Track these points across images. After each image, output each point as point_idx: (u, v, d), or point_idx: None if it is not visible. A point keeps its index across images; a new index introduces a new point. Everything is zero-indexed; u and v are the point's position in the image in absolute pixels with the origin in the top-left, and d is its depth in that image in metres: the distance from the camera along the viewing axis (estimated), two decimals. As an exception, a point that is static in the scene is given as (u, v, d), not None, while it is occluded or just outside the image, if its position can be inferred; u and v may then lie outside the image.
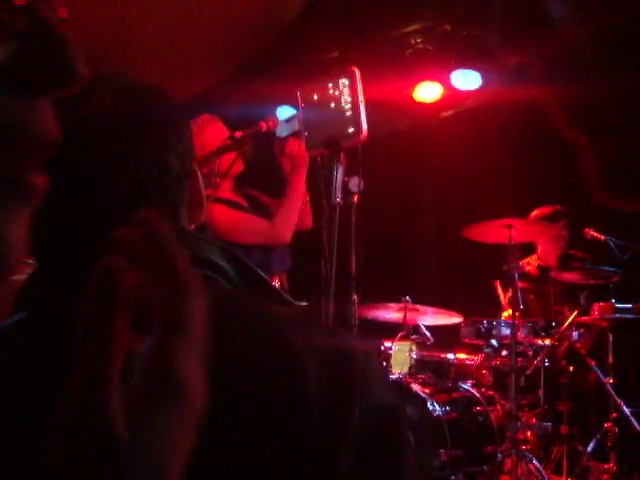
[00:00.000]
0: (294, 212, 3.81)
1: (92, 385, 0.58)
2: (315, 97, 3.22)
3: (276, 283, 3.86)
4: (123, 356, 0.59)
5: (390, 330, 5.26)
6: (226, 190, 3.84)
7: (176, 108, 1.15)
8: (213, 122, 3.92)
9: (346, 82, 3.14)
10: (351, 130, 3.10)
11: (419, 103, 6.56)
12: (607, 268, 4.94)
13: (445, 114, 6.80)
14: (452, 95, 6.47)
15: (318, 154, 3.32)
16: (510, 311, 5.02)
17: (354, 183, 3.19)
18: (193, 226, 1.16)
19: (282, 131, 3.83)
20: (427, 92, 6.47)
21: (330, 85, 3.18)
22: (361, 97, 3.11)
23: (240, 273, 1.05)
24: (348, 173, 3.23)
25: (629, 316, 4.89)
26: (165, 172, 1.05)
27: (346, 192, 3.18)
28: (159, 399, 0.59)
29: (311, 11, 6.84)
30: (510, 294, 5.10)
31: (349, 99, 3.12)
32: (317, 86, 3.22)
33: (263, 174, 4.10)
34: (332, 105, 3.17)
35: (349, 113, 3.11)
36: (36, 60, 0.54)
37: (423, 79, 6.46)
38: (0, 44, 0.55)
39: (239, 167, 3.86)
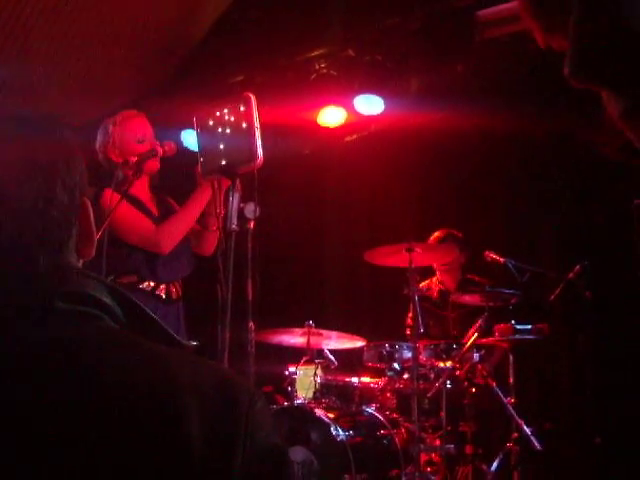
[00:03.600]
0: (181, 225, 3.79)
1: None
2: (211, 122, 3.20)
3: (161, 292, 3.83)
4: None
5: (294, 355, 5.26)
6: (138, 188, 3.82)
7: (68, 139, 1.12)
8: (138, 116, 3.99)
9: (242, 108, 3.13)
10: (246, 156, 3.09)
11: (323, 127, 6.59)
12: (505, 290, 5.02)
13: (349, 138, 6.84)
14: (356, 120, 6.52)
15: (214, 180, 3.30)
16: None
17: (250, 209, 3.17)
18: (82, 261, 1.13)
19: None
20: (331, 116, 6.51)
21: (226, 111, 3.17)
22: (257, 123, 3.10)
23: (127, 312, 1.04)
24: (245, 199, 3.22)
25: (528, 337, 4.97)
26: (51, 205, 1.03)
27: (242, 218, 3.17)
28: None
29: (216, 35, 6.85)
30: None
31: (244, 125, 3.11)
32: (213, 111, 3.21)
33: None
34: (228, 131, 3.16)
35: (244, 139, 3.10)
36: None
37: (327, 103, 6.50)
38: None
39: (154, 166, 3.89)
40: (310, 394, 5.11)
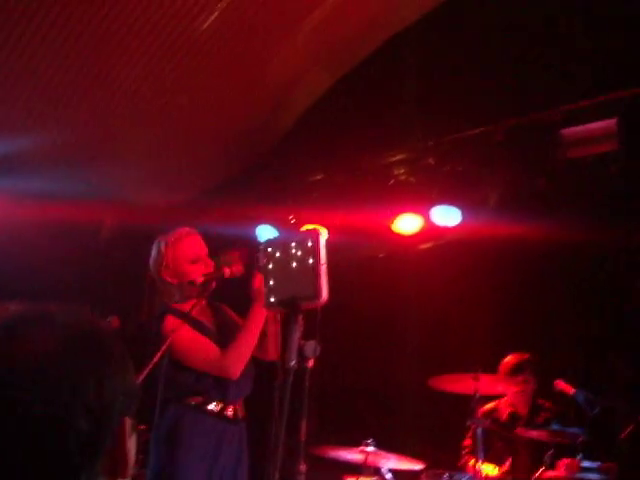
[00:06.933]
0: (246, 348, 3.72)
1: None
2: (277, 254, 3.17)
3: (229, 411, 3.77)
4: None
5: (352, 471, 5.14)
6: (197, 308, 3.75)
7: (112, 351, 1.06)
8: (190, 235, 3.91)
9: (309, 243, 3.10)
10: (310, 293, 3.04)
11: (398, 233, 6.52)
12: (572, 430, 4.81)
13: (424, 246, 6.72)
14: (431, 228, 6.43)
15: (276, 313, 3.26)
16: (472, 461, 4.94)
17: (310, 348, 3.10)
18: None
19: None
20: (407, 224, 6.44)
21: (293, 244, 3.13)
22: (323, 260, 3.05)
23: None
24: (306, 335, 3.15)
25: (593, 477, 4.75)
26: (65, 430, 0.97)
27: (301, 356, 3.10)
28: None
29: (299, 133, 6.91)
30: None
31: (311, 261, 3.07)
32: (280, 244, 3.18)
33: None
34: (294, 265, 3.11)
35: (310, 275, 3.05)
36: None
37: (404, 211, 6.44)
38: None
39: (214, 286, 3.81)
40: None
